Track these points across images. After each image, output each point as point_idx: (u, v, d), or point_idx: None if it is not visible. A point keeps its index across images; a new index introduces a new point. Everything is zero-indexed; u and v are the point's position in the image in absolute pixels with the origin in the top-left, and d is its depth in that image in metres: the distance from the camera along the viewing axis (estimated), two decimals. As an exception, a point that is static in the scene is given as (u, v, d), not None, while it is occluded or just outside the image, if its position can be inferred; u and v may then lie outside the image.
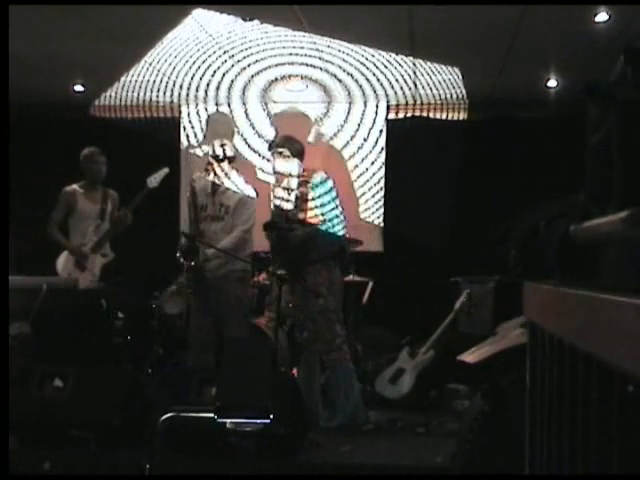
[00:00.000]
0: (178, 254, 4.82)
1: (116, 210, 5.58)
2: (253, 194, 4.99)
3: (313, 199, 4.82)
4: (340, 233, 4.89)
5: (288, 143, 4.85)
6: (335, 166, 7.06)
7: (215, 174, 4.91)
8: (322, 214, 4.82)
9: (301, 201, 4.81)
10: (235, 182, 4.94)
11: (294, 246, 4.71)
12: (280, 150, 4.79)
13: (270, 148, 4.93)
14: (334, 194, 4.91)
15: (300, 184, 4.81)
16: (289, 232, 4.71)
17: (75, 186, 5.54)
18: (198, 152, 7.42)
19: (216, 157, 4.88)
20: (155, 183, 5.42)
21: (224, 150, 4.87)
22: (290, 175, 4.82)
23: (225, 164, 4.89)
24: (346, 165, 7.30)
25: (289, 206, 4.84)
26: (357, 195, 7.31)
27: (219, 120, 7.39)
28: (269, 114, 7.33)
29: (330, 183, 4.91)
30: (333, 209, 4.87)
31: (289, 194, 4.86)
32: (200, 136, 7.52)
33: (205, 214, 4.91)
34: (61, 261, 5.44)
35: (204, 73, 6.52)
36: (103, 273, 5.50)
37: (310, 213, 4.82)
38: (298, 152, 4.83)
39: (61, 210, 5.49)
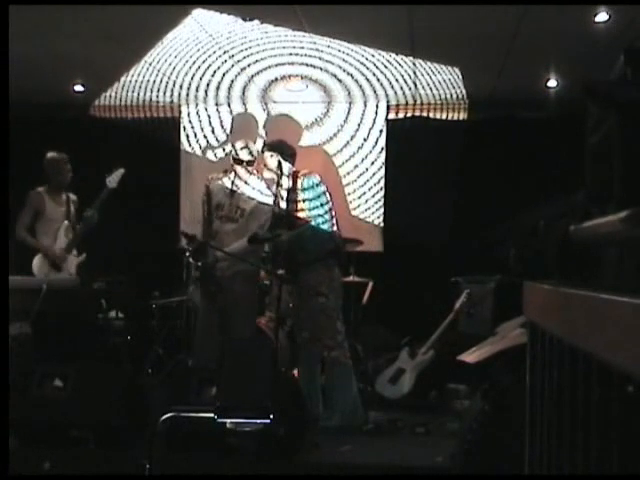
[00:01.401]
0: (188, 254, 4.83)
1: (77, 212, 5.60)
2: (271, 200, 4.99)
3: (304, 200, 4.85)
4: (330, 232, 4.91)
5: (280, 146, 4.90)
6: (327, 168, 7.07)
7: (235, 176, 4.92)
8: (312, 215, 4.85)
9: (292, 202, 4.86)
10: (252, 187, 4.94)
11: (283, 252, 4.77)
12: (272, 153, 4.84)
13: (262, 152, 4.95)
14: (325, 195, 4.93)
15: (291, 186, 4.85)
16: (275, 239, 4.76)
17: (41, 189, 5.54)
18: (219, 152, 7.41)
19: (235, 159, 4.90)
20: (114, 183, 5.48)
21: (243, 153, 4.89)
22: (282, 176, 4.85)
23: (242, 167, 4.90)
24: (336, 166, 7.30)
25: (281, 207, 4.88)
26: (356, 195, 7.31)
27: (243, 121, 7.39)
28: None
29: (321, 184, 4.95)
30: (324, 210, 4.89)
31: (281, 195, 4.89)
32: (200, 135, 7.52)
33: (221, 214, 4.91)
34: (36, 262, 5.42)
35: (204, 73, 6.52)
36: (79, 271, 5.49)
37: (301, 214, 4.86)
38: (289, 155, 4.89)
39: (29, 213, 5.48)
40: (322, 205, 4.90)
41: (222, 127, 7.47)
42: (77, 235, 5.53)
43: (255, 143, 5.05)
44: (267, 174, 4.90)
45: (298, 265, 4.78)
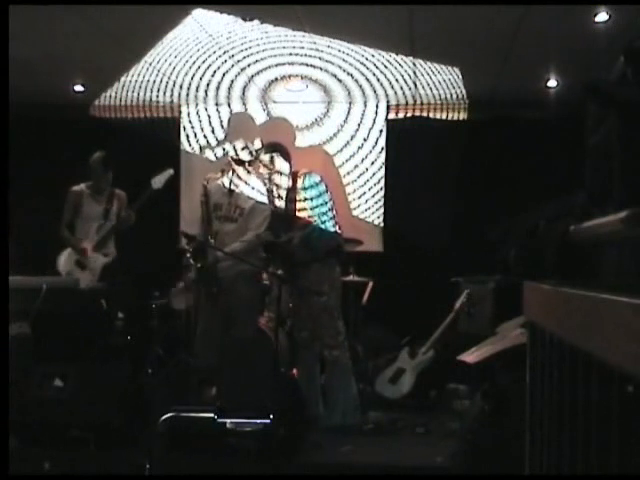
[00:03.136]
0: (188, 255, 4.83)
1: (122, 210, 5.60)
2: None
3: (305, 199, 4.86)
4: (332, 230, 4.91)
5: (276, 148, 4.91)
6: (327, 167, 7.07)
7: (234, 175, 4.92)
8: (315, 214, 4.86)
9: (293, 201, 4.87)
10: (251, 186, 4.94)
11: (292, 252, 4.78)
12: (272, 154, 4.85)
13: (257, 156, 4.94)
14: (326, 194, 4.94)
15: (291, 185, 4.86)
16: (290, 244, 4.77)
17: (82, 186, 5.59)
18: (218, 152, 7.40)
19: (234, 159, 4.90)
20: (159, 184, 5.46)
21: (243, 153, 4.89)
22: (281, 175, 4.86)
23: (241, 168, 4.90)
24: (336, 166, 7.30)
25: (281, 207, 4.89)
26: (356, 195, 7.31)
27: (240, 121, 7.38)
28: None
29: (321, 183, 4.95)
30: (326, 208, 4.90)
31: (281, 195, 4.89)
32: (200, 135, 7.52)
33: (219, 214, 4.92)
34: (62, 259, 5.47)
35: (204, 73, 6.52)
36: (104, 272, 5.51)
37: (304, 213, 4.86)
38: (286, 156, 4.89)
39: (69, 210, 5.55)
40: (324, 204, 4.91)
41: (222, 127, 7.47)
42: (108, 235, 5.55)
43: (253, 143, 5.06)
44: (266, 174, 4.90)
45: (299, 265, 4.79)
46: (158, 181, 5.45)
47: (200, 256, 4.78)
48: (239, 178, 4.93)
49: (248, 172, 4.94)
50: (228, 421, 3.73)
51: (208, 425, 3.73)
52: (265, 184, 4.92)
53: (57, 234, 5.51)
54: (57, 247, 5.60)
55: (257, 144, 5.01)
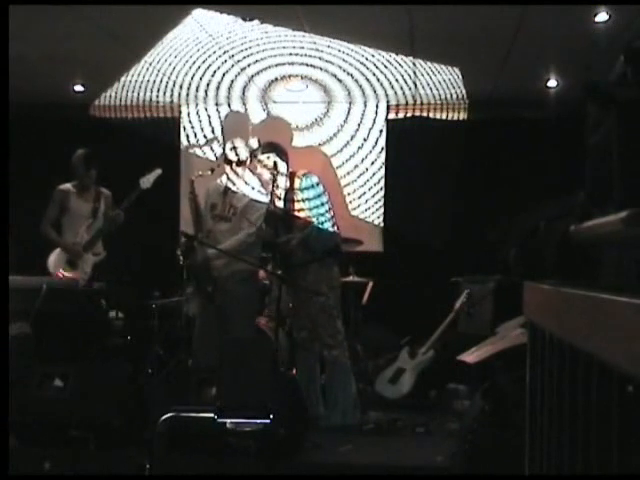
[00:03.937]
0: (178, 252, 4.82)
1: (109, 209, 5.58)
2: (264, 198, 4.96)
3: (303, 200, 4.86)
4: (330, 231, 4.92)
5: (273, 148, 4.91)
6: (325, 168, 7.08)
7: (230, 174, 4.92)
8: (314, 215, 4.86)
9: (291, 202, 4.87)
10: (247, 185, 4.94)
11: (290, 252, 4.78)
12: (268, 155, 4.84)
13: (254, 156, 4.93)
14: (324, 195, 4.94)
15: (289, 185, 4.86)
16: (289, 244, 4.77)
17: (69, 185, 5.56)
18: (218, 151, 7.38)
19: (229, 159, 4.90)
20: (148, 184, 5.44)
21: (236, 153, 4.88)
22: (279, 175, 4.85)
23: (235, 166, 4.90)
24: (335, 166, 7.30)
25: (279, 207, 4.88)
26: (356, 195, 7.32)
27: (237, 120, 7.37)
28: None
29: (320, 184, 4.95)
30: (324, 209, 4.90)
31: (279, 196, 4.89)
32: (200, 135, 7.52)
33: (214, 213, 4.91)
34: (52, 259, 5.44)
35: (204, 73, 6.52)
36: (95, 272, 5.49)
37: (302, 214, 4.87)
38: (283, 156, 4.89)
39: (55, 209, 5.50)
40: (322, 205, 4.91)
41: (222, 127, 7.47)
42: (97, 234, 5.53)
43: (248, 141, 5.04)
44: (264, 174, 4.89)
45: (297, 265, 4.79)
46: (147, 181, 5.44)
47: (189, 254, 4.77)
48: (237, 176, 4.93)
49: (244, 171, 4.93)
50: (228, 421, 3.73)
51: (208, 425, 3.73)
52: (262, 184, 4.91)
53: (38, 231, 5.47)
54: (50, 246, 5.57)
55: (254, 144, 4.99)
